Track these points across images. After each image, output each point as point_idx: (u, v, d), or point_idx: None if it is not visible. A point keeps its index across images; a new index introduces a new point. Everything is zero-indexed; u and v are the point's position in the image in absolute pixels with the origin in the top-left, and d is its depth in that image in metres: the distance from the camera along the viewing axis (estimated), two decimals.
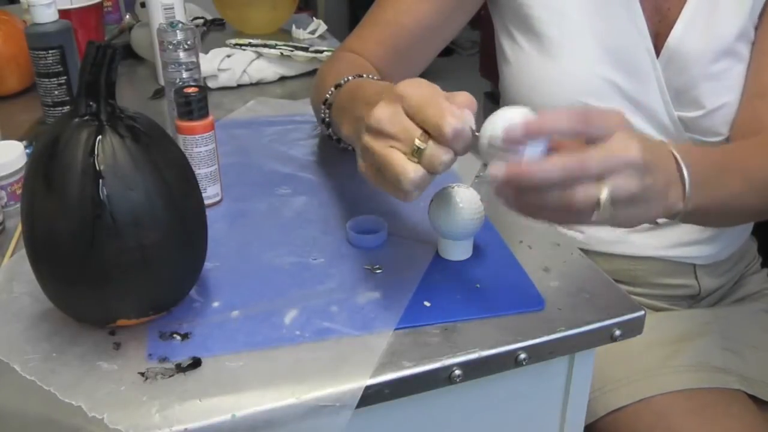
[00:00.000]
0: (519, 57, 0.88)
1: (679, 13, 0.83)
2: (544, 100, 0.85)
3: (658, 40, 0.84)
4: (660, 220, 0.89)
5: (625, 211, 0.56)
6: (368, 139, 0.57)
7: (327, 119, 0.79)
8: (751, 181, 0.73)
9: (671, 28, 0.83)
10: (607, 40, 0.83)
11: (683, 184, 0.62)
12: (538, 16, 0.84)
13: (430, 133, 0.54)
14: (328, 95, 0.78)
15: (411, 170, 0.54)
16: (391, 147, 0.56)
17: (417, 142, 0.54)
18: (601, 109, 0.56)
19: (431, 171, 0.55)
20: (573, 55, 0.83)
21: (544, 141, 0.55)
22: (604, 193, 0.53)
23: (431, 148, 0.54)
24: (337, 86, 0.76)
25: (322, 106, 0.79)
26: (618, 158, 0.53)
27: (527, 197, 0.55)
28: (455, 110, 0.54)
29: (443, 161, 0.54)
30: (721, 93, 0.84)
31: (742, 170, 0.73)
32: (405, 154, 0.55)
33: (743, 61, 0.84)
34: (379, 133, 0.56)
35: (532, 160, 0.54)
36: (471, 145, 0.56)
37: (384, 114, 0.56)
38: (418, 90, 0.56)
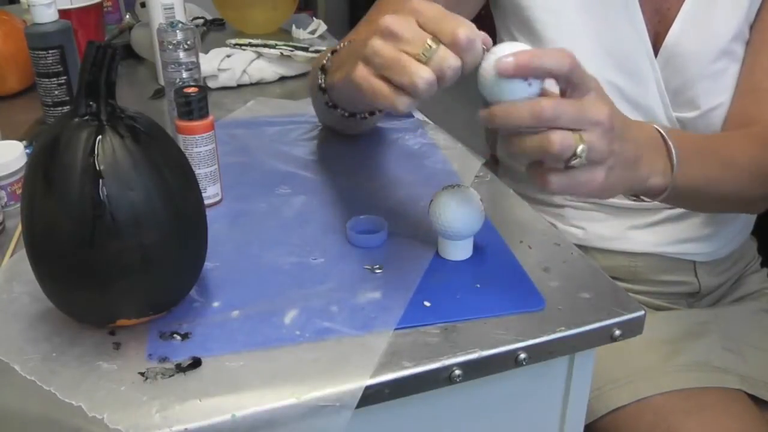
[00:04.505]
0: None
1: (677, 12, 0.83)
2: None
3: (658, 40, 0.84)
4: (657, 216, 0.90)
5: (594, 172, 0.58)
6: (377, 42, 0.56)
7: (323, 85, 0.79)
8: (728, 167, 0.75)
9: (669, 28, 0.83)
10: (607, 42, 0.83)
11: (670, 160, 0.65)
12: (539, 19, 0.84)
13: (443, 40, 0.54)
14: (324, 61, 0.77)
15: (424, 70, 0.54)
16: (401, 50, 0.55)
17: (429, 41, 0.54)
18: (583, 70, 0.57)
19: (439, 75, 0.54)
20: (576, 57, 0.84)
21: (539, 82, 0.56)
22: (580, 146, 0.56)
23: (442, 51, 0.54)
24: (334, 51, 0.76)
25: (319, 73, 0.79)
26: (589, 114, 0.56)
27: (509, 140, 0.58)
28: (471, 25, 0.54)
29: (452, 65, 0.54)
30: (717, 93, 0.84)
31: (720, 155, 0.75)
32: (414, 56, 0.54)
33: (738, 61, 0.84)
34: (390, 35, 0.55)
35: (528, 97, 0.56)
36: (477, 63, 0.56)
37: (396, 19, 0.55)
38: (433, 6, 0.56)
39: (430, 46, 0.54)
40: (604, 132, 0.57)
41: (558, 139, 0.55)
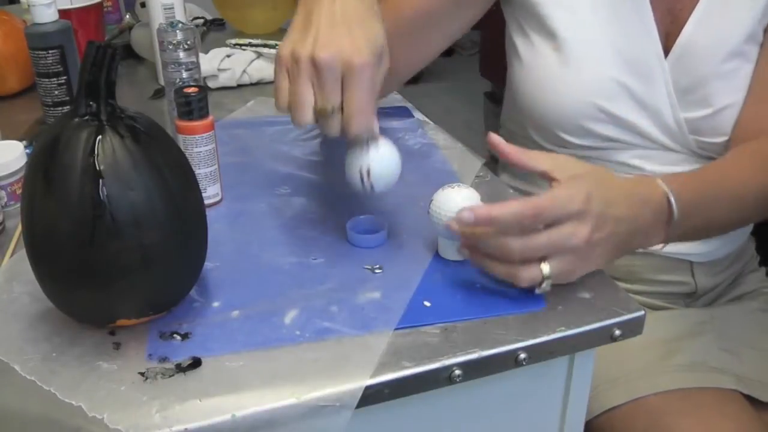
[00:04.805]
0: (532, 55, 0.87)
1: (691, 13, 0.83)
2: (555, 99, 0.85)
3: (669, 40, 0.84)
4: None
5: (573, 275, 0.63)
6: (304, 65, 0.61)
7: None
8: (736, 205, 0.78)
9: (682, 28, 0.83)
10: (618, 41, 0.83)
11: (669, 222, 0.69)
12: (554, 16, 0.84)
13: (344, 112, 0.61)
14: None
15: (306, 118, 0.62)
16: (310, 85, 0.62)
17: (331, 105, 0.61)
18: (567, 196, 0.61)
19: (317, 125, 0.63)
20: (586, 56, 0.84)
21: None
22: (546, 270, 0.61)
23: (334, 119, 0.61)
24: None
25: None
26: (560, 245, 0.60)
27: (478, 255, 0.63)
28: (371, 121, 0.62)
29: (330, 133, 0.62)
30: (729, 93, 0.84)
31: (728, 196, 0.77)
32: (314, 101, 0.62)
33: (751, 62, 0.84)
34: (318, 68, 0.61)
35: None
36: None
37: (331, 61, 0.60)
38: (366, 76, 0.61)
39: (328, 107, 0.61)
40: (576, 256, 0.62)
41: (525, 277, 0.61)
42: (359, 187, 0.66)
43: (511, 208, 0.59)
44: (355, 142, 0.65)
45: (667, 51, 0.84)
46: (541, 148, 0.90)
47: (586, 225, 0.61)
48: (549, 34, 0.85)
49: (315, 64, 0.61)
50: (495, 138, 0.64)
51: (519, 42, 0.90)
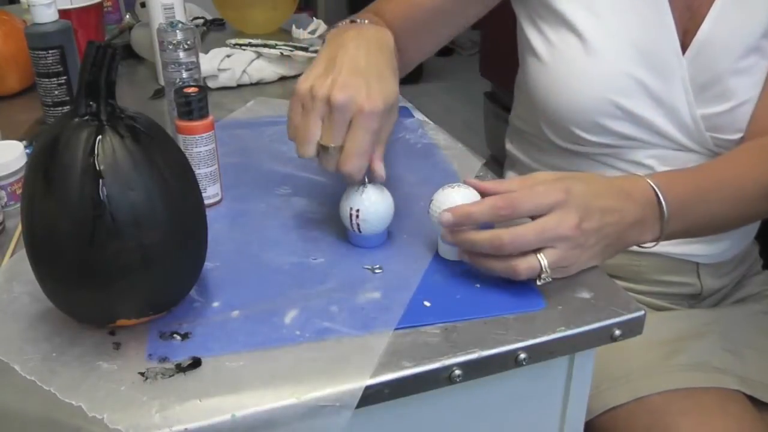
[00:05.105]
0: (548, 50, 0.87)
1: (709, 9, 0.83)
2: (570, 95, 0.84)
3: (687, 36, 0.84)
4: None
5: (572, 267, 0.65)
6: (319, 104, 0.65)
7: None
8: (736, 201, 0.78)
9: (700, 24, 0.83)
10: (636, 38, 0.83)
11: (661, 216, 0.69)
12: (571, 12, 0.84)
13: (343, 151, 0.65)
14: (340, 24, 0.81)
15: (309, 150, 0.66)
16: (320, 122, 0.66)
17: (333, 144, 0.65)
18: (543, 189, 0.64)
19: (316, 159, 0.67)
20: (604, 52, 0.83)
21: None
22: (544, 261, 0.62)
23: (332, 156, 0.66)
24: (353, 21, 0.80)
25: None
26: (551, 234, 0.62)
27: (474, 259, 0.65)
28: (364, 165, 0.66)
29: (327, 168, 0.67)
30: (747, 88, 0.84)
31: (725, 193, 0.77)
32: (319, 139, 0.66)
33: (767, 57, 0.84)
34: (332, 107, 0.65)
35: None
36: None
37: (345, 104, 0.64)
38: (375, 125, 0.65)
39: (331, 145, 0.65)
40: (570, 244, 0.63)
41: (523, 268, 0.62)
42: (348, 225, 0.69)
43: (486, 202, 0.63)
44: (353, 182, 0.68)
45: (684, 47, 0.84)
46: (554, 145, 0.90)
47: (571, 213, 0.62)
48: (566, 29, 0.85)
49: (330, 104, 0.65)
50: (471, 181, 0.68)
51: (533, 37, 0.89)
